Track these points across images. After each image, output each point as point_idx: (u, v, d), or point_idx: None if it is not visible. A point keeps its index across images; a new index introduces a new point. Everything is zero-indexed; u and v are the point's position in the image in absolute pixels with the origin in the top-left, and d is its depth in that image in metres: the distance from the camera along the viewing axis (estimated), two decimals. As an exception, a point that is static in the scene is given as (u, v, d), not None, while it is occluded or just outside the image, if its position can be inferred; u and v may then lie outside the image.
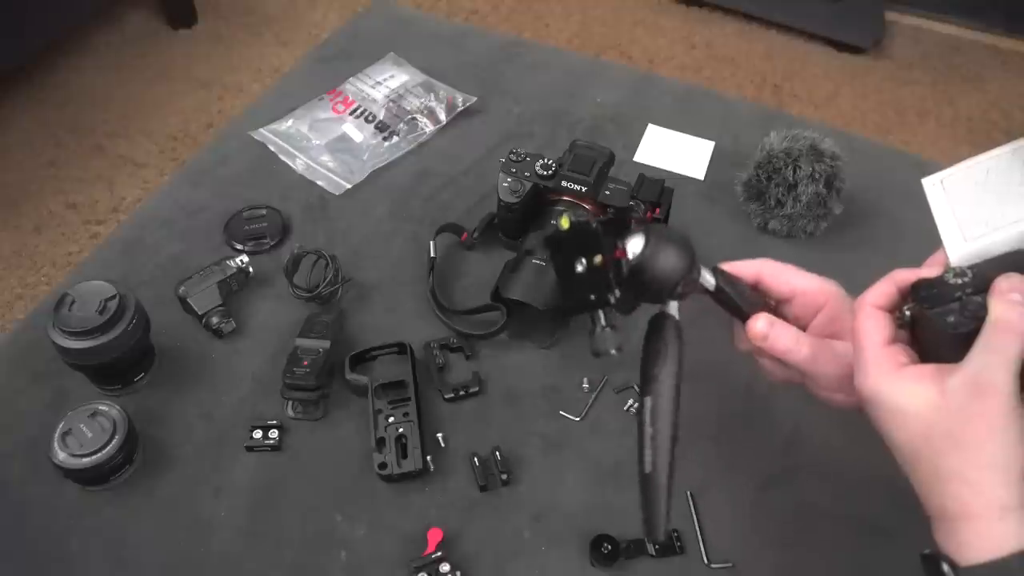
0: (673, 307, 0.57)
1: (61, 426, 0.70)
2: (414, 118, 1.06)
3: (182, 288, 0.83)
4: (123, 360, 0.75)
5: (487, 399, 0.80)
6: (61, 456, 0.69)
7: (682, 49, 2.38)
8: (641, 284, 0.55)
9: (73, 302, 0.72)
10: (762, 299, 0.60)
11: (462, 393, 0.79)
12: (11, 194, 1.90)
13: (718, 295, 0.58)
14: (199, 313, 0.82)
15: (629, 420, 0.78)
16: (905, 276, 0.52)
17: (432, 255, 0.88)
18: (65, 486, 0.71)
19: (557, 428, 0.78)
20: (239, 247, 0.91)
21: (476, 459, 0.74)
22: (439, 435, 0.76)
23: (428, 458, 0.73)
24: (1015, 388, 0.45)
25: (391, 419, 0.74)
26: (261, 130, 1.05)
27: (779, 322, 0.57)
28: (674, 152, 1.04)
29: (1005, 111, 2.20)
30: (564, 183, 0.83)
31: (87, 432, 0.70)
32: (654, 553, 0.69)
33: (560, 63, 1.20)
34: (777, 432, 0.78)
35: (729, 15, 2.46)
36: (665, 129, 1.07)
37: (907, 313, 0.51)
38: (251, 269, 0.87)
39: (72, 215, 1.87)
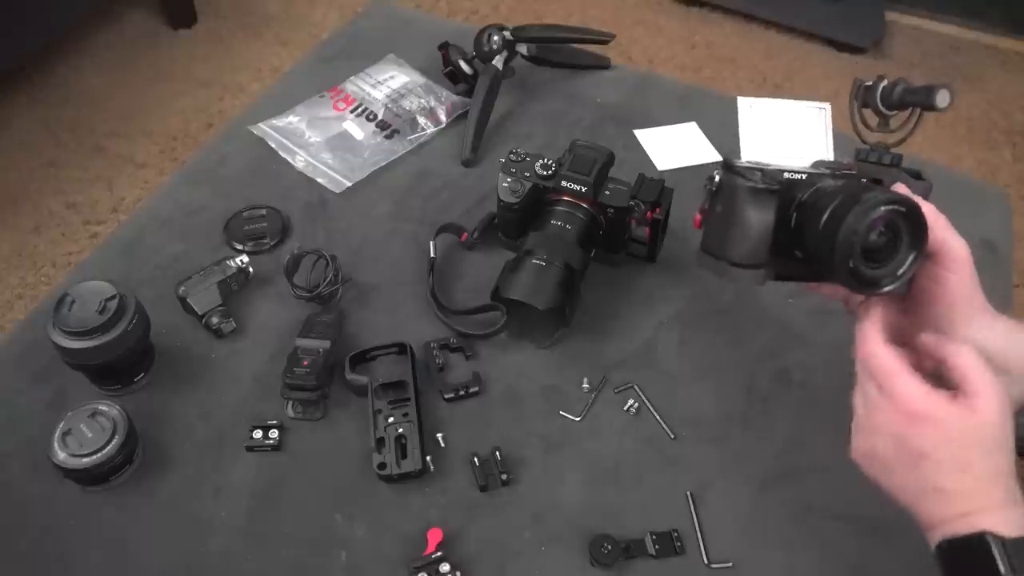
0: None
1: (61, 426, 0.70)
2: (415, 118, 1.06)
3: (182, 288, 0.83)
4: (123, 360, 0.75)
5: (487, 399, 0.79)
6: (61, 456, 0.69)
7: (682, 49, 2.38)
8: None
9: (73, 302, 0.72)
10: None
11: (462, 393, 0.79)
12: (11, 194, 1.90)
13: None
14: (199, 313, 0.82)
15: (629, 420, 0.78)
16: (876, 306, 0.56)
17: (432, 255, 0.88)
18: (65, 486, 0.71)
19: (557, 428, 0.78)
20: (239, 247, 0.91)
21: (476, 459, 0.74)
22: (439, 435, 0.76)
23: (428, 458, 0.73)
24: None
25: (391, 419, 0.74)
26: (261, 124, 1.05)
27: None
28: (679, 148, 1.04)
29: (1005, 111, 2.20)
30: (564, 183, 0.83)
31: (87, 432, 0.70)
32: (654, 553, 0.69)
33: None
34: (777, 432, 0.78)
35: (729, 15, 2.46)
36: (653, 128, 1.07)
37: (716, 178, 0.61)
38: (251, 269, 0.87)
39: (72, 215, 1.87)
